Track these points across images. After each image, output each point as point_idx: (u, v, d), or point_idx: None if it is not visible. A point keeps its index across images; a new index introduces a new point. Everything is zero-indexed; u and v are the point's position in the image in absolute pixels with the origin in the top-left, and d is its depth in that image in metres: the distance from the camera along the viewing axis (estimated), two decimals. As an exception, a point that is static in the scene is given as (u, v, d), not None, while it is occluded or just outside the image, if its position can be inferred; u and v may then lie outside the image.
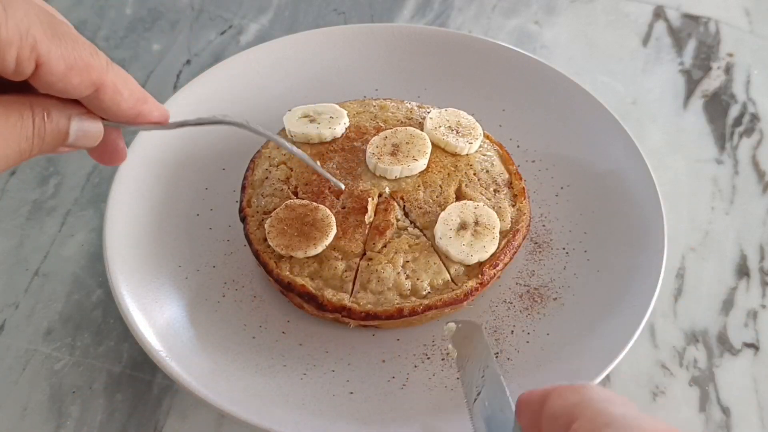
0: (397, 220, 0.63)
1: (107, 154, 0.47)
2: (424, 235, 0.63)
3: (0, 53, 0.36)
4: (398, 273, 0.60)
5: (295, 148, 0.51)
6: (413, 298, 0.60)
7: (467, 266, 0.62)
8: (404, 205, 0.64)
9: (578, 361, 0.58)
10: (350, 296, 0.60)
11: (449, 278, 0.61)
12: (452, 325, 0.58)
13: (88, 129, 0.44)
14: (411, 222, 0.64)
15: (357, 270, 0.61)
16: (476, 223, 0.63)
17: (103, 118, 0.44)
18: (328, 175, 0.56)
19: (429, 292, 0.60)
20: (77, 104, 0.43)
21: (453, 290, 0.60)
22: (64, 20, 0.42)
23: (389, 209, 0.64)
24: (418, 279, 0.60)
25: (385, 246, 0.62)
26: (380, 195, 0.65)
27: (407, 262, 0.61)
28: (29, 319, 0.65)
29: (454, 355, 0.57)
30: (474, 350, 0.55)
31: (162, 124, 0.47)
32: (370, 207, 0.64)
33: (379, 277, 0.60)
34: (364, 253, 0.62)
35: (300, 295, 0.60)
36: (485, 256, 0.62)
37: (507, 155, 0.70)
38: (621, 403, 0.39)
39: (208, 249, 0.67)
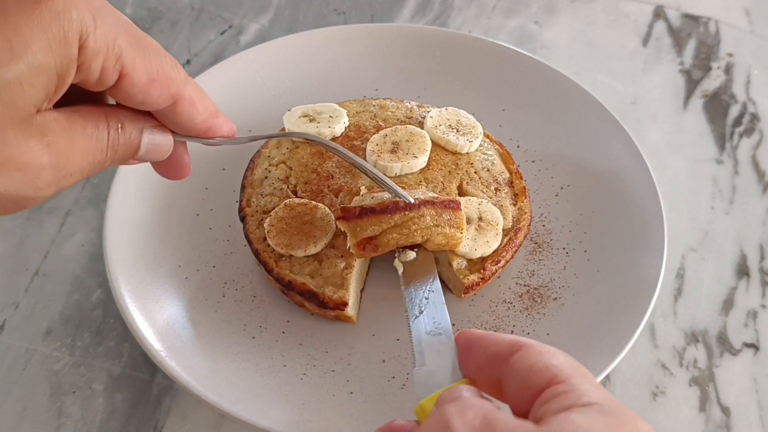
0: None
1: (172, 169, 0.47)
2: None
3: (86, 62, 0.36)
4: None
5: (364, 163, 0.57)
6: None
7: (470, 261, 0.62)
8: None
9: (578, 360, 0.58)
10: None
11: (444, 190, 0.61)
12: (411, 253, 0.58)
13: (159, 142, 0.43)
14: None
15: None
16: (480, 218, 0.63)
17: (173, 132, 0.44)
18: (399, 189, 0.58)
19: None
20: (149, 117, 0.42)
21: (450, 196, 0.59)
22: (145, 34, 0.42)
23: None
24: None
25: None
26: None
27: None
28: (29, 319, 0.65)
29: (400, 270, 0.57)
30: (422, 272, 0.55)
31: (230, 138, 0.47)
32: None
33: (373, 195, 0.60)
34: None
35: (301, 294, 0.60)
36: (488, 251, 0.62)
37: (507, 155, 0.70)
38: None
39: (208, 249, 0.67)
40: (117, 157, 0.41)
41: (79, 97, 0.40)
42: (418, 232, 0.58)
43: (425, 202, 0.58)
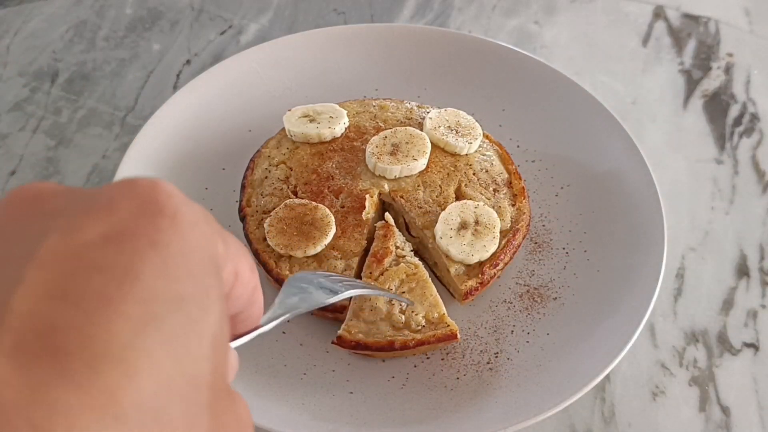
0: (396, 247, 0.62)
1: None
2: (427, 263, 0.62)
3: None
4: (392, 304, 0.59)
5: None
6: (406, 332, 0.58)
7: (467, 266, 0.62)
8: (404, 204, 0.64)
9: (578, 361, 0.58)
10: (343, 324, 0.59)
11: (444, 312, 0.59)
12: None
13: (233, 362, 0.35)
14: (411, 248, 0.63)
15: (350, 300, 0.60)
16: (476, 222, 0.63)
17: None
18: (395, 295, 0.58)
19: (423, 326, 0.58)
20: None
21: (447, 326, 0.58)
22: None
23: (389, 235, 0.62)
24: (413, 312, 0.59)
25: (381, 274, 0.60)
26: (380, 194, 0.65)
27: (403, 293, 0.60)
28: (29, 319, 0.65)
29: None
30: None
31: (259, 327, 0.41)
32: (368, 203, 0.64)
33: (372, 306, 0.59)
34: (359, 279, 0.61)
35: (300, 295, 0.60)
36: (486, 255, 0.62)
37: (506, 155, 0.70)
38: None
39: (208, 249, 0.66)
40: None
41: None
42: (410, 353, 0.59)
43: (422, 342, 0.58)
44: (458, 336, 0.58)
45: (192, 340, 0.24)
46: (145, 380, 0.21)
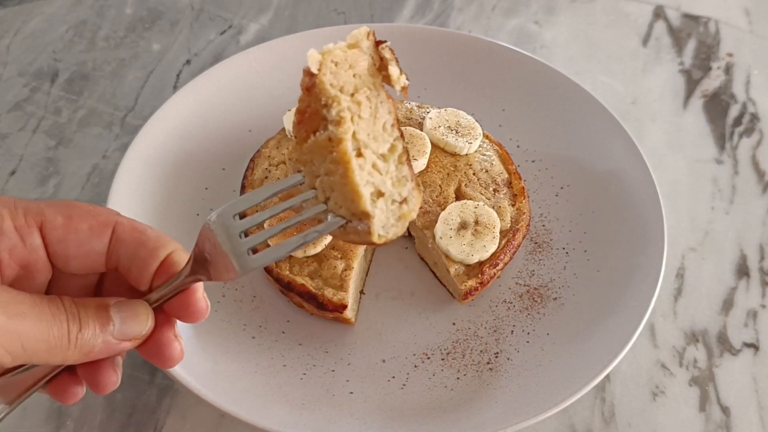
0: (324, 106, 0.45)
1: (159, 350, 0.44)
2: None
3: None
4: None
5: None
6: None
7: (467, 266, 0.62)
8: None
9: (578, 361, 0.58)
10: None
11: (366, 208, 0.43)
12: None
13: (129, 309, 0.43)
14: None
15: None
16: (476, 222, 0.63)
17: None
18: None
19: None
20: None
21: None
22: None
23: (311, 88, 0.45)
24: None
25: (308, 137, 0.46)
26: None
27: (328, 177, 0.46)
28: (29, 319, 0.65)
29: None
30: None
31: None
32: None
33: None
34: None
35: (300, 295, 0.60)
36: (486, 255, 0.62)
37: (506, 155, 0.70)
38: None
39: (208, 249, 0.66)
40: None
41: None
42: None
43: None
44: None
45: None
46: None
